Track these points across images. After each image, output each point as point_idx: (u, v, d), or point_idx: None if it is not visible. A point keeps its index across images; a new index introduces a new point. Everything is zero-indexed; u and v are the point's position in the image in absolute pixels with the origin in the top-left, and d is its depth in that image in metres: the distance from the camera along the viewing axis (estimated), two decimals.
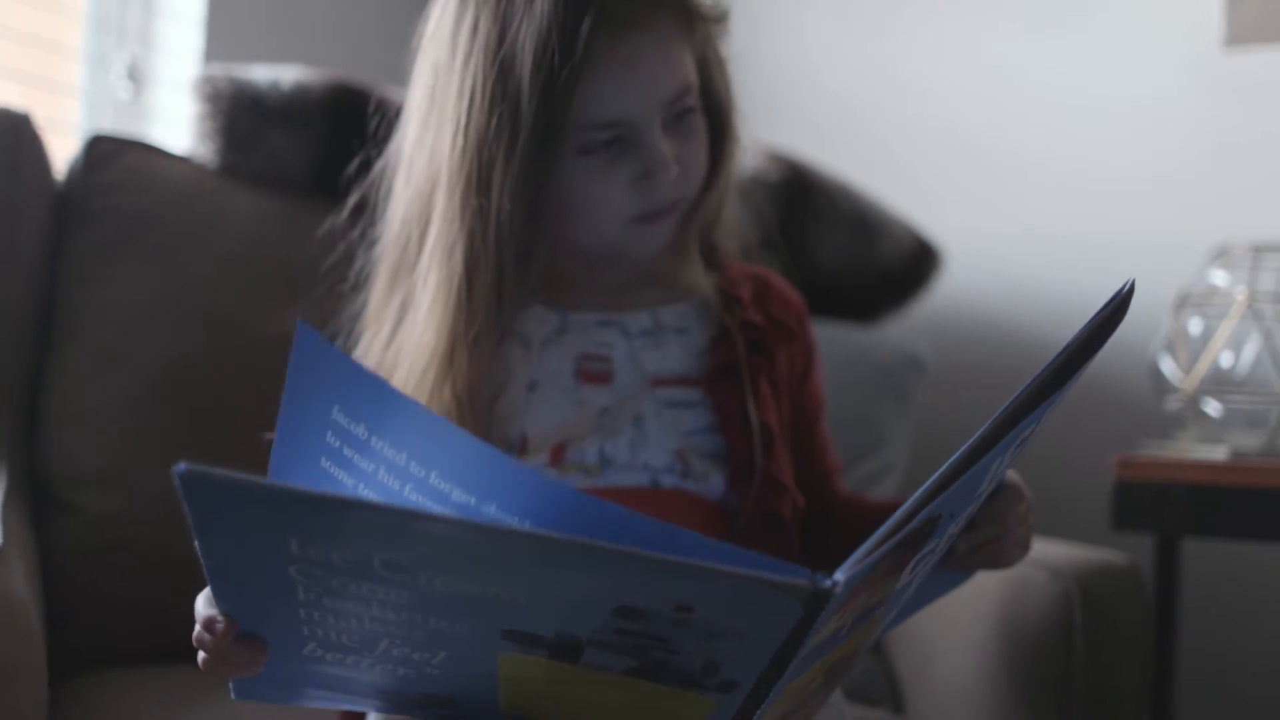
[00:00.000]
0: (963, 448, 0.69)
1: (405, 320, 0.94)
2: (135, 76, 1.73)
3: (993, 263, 1.76)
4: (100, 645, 1.20)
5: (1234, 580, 1.61)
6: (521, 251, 0.89)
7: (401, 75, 1.44)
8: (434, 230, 0.91)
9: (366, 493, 0.65)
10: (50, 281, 1.29)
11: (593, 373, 0.96)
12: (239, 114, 1.37)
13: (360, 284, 1.02)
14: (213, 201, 1.35)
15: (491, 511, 0.62)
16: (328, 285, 1.03)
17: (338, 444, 0.64)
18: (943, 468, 0.68)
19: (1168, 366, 1.42)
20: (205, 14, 1.75)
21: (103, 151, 1.33)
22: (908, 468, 1.50)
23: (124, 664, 1.19)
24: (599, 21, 0.86)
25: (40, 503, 1.22)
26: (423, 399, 0.89)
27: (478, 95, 0.89)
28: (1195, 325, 1.40)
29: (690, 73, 0.93)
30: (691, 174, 0.95)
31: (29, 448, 1.25)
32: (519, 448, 0.93)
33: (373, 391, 0.63)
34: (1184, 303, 1.42)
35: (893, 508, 0.99)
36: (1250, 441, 1.35)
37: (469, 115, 0.89)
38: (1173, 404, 1.41)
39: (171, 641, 1.24)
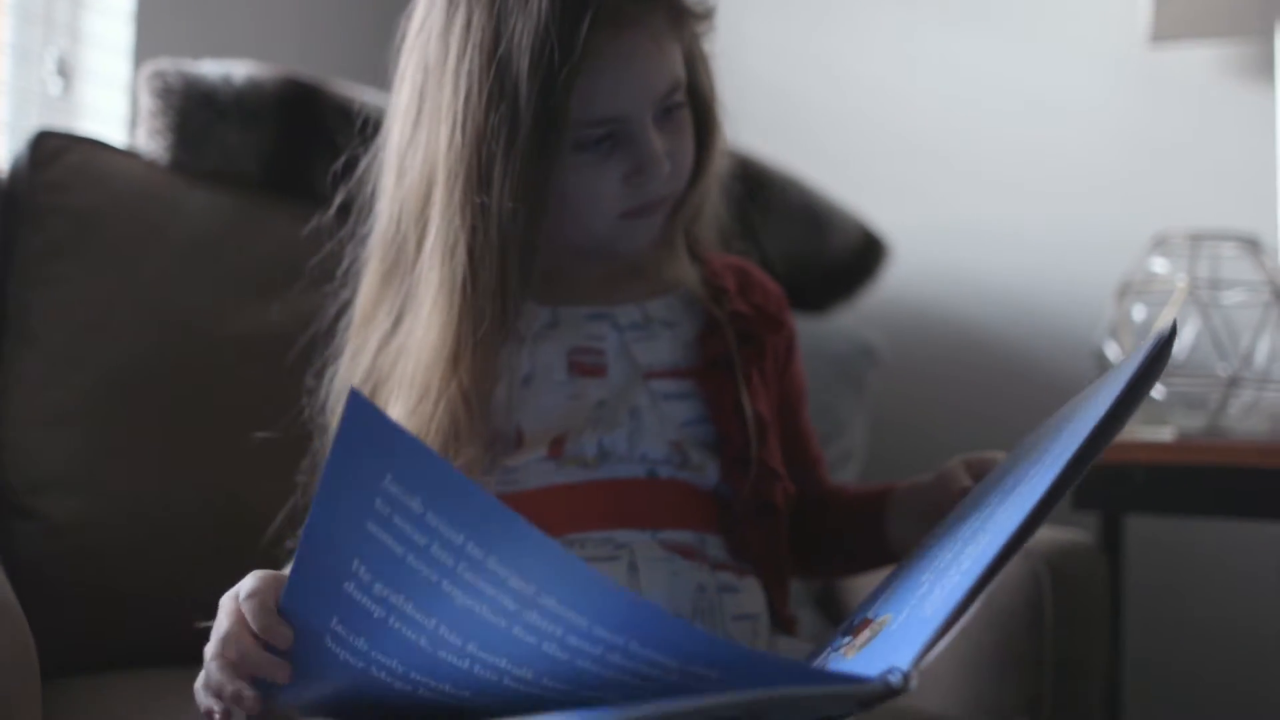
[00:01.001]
0: (1010, 526, 0.67)
1: (404, 319, 0.93)
2: (64, 71, 1.69)
3: (932, 255, 1.80)
4: (66, 652, 1.17)
5: (1174, 555, 1.67)
6: (525, 249, 0.89)
7: (341, 69, 1.43)
8: (433, 229, 0.90)
9: (413, 562, 0.63)
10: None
11: (586, 365, 0.97)
12: (191, 109, 1.34)
13: (346, 282, 1.01)
14: (166, 199, 1.33)
15: (550, 605, 0.61)
16: (311, 282, 1.02)
17: (388, 511, 0.62)
18: (997, 545, 0.66)
19: (1113, 351, 1.47)
20: (135, 8, 1.71)
21: (49, 148, 1.29)
22: (865, 456, 1.53)
23: (91, 670, 1.17)
24: (596, 19, 0.86)
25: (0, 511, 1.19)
26: (430, 398, 0.89)
27: (474, 93, 0.88)
28: (1139, 312, 1.45)
29: (680, 69, 0.94)
30: (680, 169, 0.96)
31: None
32: (515, 441, 0.94)
33: (433, 469, 0.61)
34: (1126, 290, 1.46)
35: (880, 495, 1.01)
36: (1192, 422, 1.40)
37: (465, 112, 0.89)
38: None
39: (140, 645, 1.22)
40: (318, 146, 1.40)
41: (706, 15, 0.98)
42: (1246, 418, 1.43)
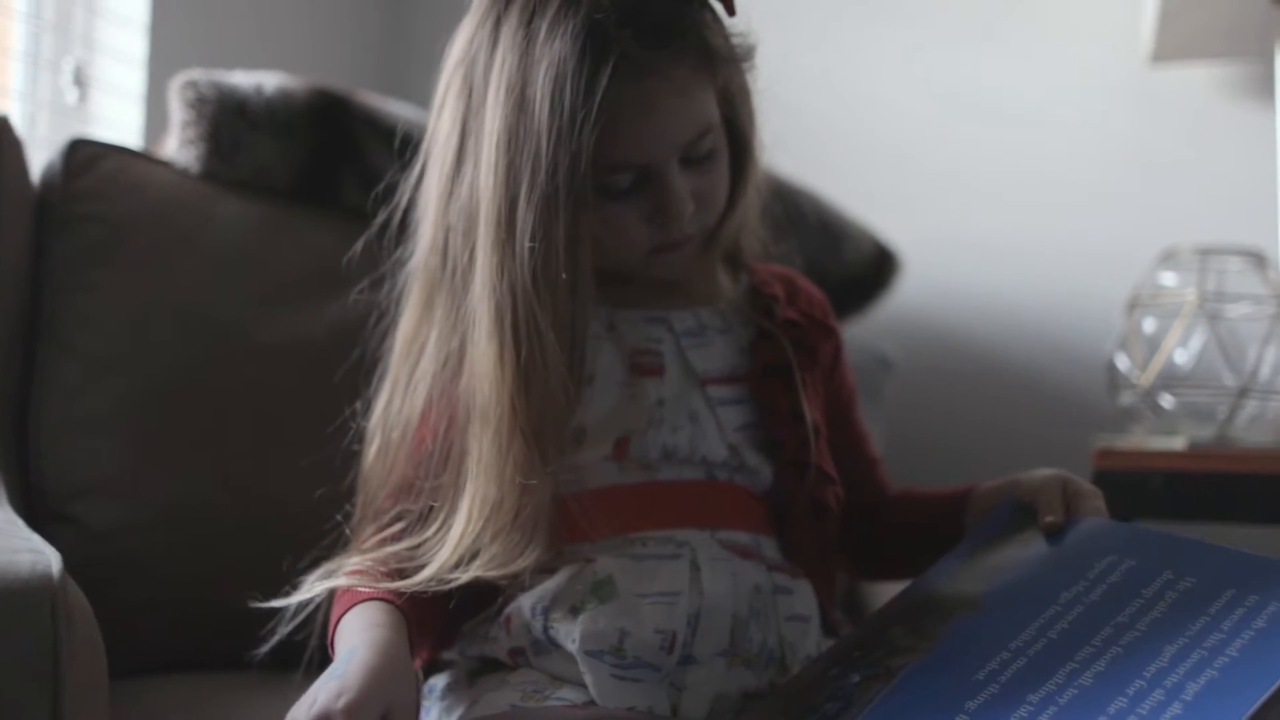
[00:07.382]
0: None
1: (467, 352, 0.93)
2: (80, 81, 1.69)
3: (939, 269, 1.83)
4: (107, 658, 1.17)
5: None
6: (560, 287, 0.88)
7: (351, 77, 1.43)
8: (477, 267, 0.90)
9: None
10: (33, 290, 1.26)
11: (644, 366, 0.99)
12: (224, 120, 1.35)
13: (388, 309, 1.03)
14: (198, 208, 1.33)
15: None
16: (345, 292, 1.04)
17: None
18: None
19: (1123, 363, 1.50)
20: (149, 19, 1.72)
21: (83, 156, 1.30)
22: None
23: (132, 675, 1.17)
24: (617, 69, 0.86)
25: (37, 516, 1.19)
26: (503, 432, 0.90)
27: (503, 134, 0.88)
28: (1149, 324, 1.49)
29: (711, 112, 0.94)
30: (710, 206, 0.97)
31: (21, 460, 1.21)
32: (578, 440, 0.95)
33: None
34: (1135, 303, 1.50)
35: (962, 494, 1.02)
36: (1201, 432, 1.44)
37: (496, 154, 0.89)
38: (1128, 399, 1.49)
39: (179, 650, 1.23)
40: (346, 157, 1.41)
41: (744, 57, 0.98)
42: (1252, 428, 1.46)
